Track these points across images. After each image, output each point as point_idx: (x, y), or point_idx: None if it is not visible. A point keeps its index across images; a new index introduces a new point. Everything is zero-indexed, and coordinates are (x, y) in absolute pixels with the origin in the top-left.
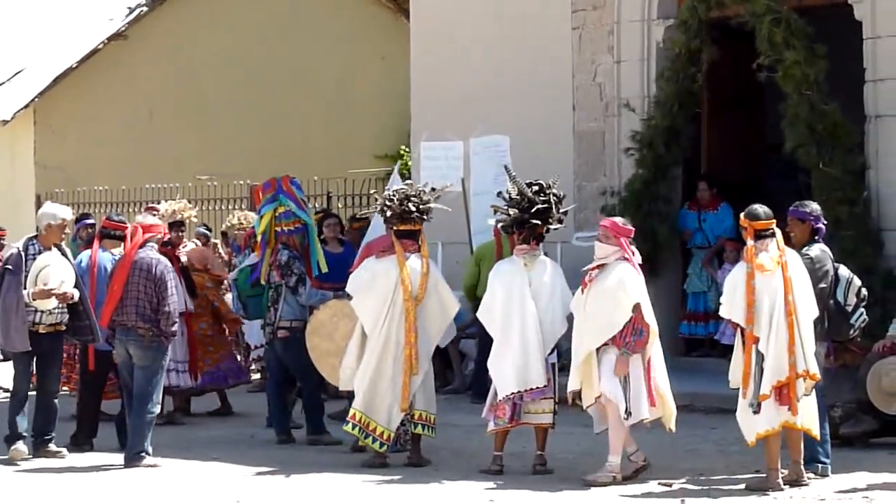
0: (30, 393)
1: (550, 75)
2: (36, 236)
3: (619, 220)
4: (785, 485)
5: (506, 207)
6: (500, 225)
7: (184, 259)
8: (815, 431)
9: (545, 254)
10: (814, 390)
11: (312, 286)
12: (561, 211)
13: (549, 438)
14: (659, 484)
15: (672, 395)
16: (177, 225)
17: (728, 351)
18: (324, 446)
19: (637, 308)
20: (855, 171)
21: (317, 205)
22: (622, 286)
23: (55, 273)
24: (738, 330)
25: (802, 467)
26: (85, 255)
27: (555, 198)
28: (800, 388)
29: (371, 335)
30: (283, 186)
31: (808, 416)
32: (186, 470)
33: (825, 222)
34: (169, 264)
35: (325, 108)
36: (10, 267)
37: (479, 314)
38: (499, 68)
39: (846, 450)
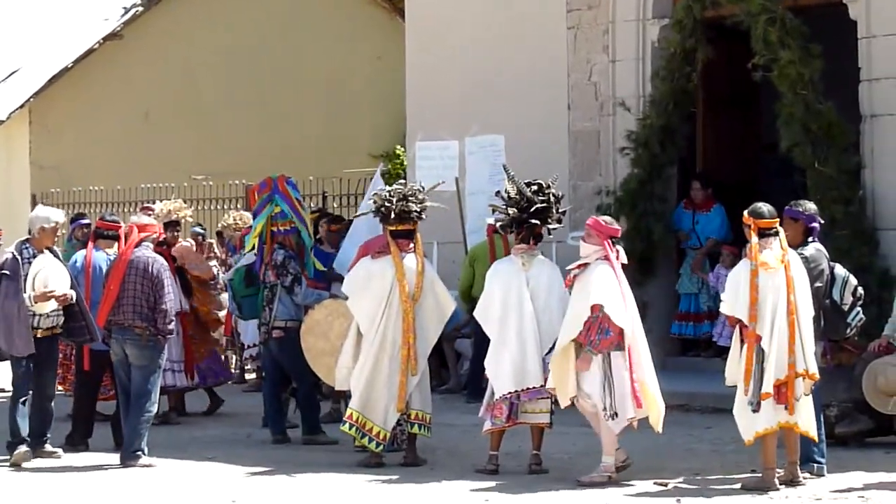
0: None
1: (546, 75)
2: (28, 239)
3: (605, 219)
4: (781, 484)
5: (504, 207)
6: (498, 224)
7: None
8: (813, 433)
9: (541, 253)
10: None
11: (308, 286)
12: (560, 211)
13: (544, 438)
14: (655, 483)
15: (662, 395)
16: (172, 225)
17: (723, 351)
18: (319, 446)
19: (596, 309)
20: (850, 171)
21: (312, 204)
22: (589, 286)
23: (53, 276)
24: (737, 327)
25: (798, 467)
26: (80, 256)
27: (553, 197)
28: (798, 387)
29: (367, 335)
30: (279, 187)
31: (806, 417)
32: (182, 470)
33: (821, 221)
34: (165, 263)
35: (321, 107)
36: (7, 272)
37: (476, 313)
38: (494, 68)
39: (842, 449)
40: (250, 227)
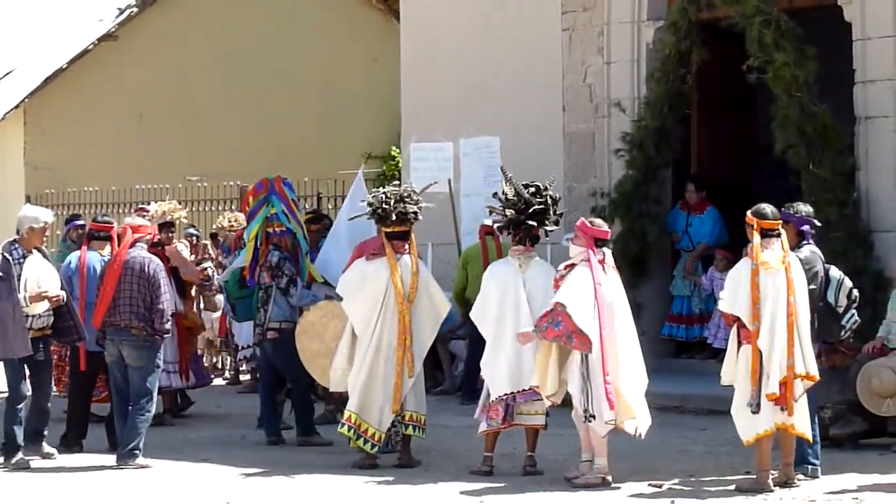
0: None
1: (540, 76)
2: (17, 240)
3: (594, 221)
4: (775, 486)
5: (502, 208)
6: (496, 225)
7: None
8: (809, 434)
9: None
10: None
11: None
12: (557, 213)
13: (539, 440)
14: (649, 485)
15: (657, 396)
16: (166, 226)
17: (717, 353)
18: (314, 447)
19: (558, 305)
20: (845, 173)
21: (307, 205)
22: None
23: (45, 276)
24: (735, 327)
25: (792, 468)
26: (74, 257)
27: (551, 199)
28: (797, 389)
29: (363, 337)
30: (276, 187)
31: (802, 419)
32: (176, 471)
33: (817, 224)
34: (161, 263)
35: (316, 109)
36: (0, 274)
37: (472, 314)
38: (489, 70)
39: (836, 451)
40: (244, 228)
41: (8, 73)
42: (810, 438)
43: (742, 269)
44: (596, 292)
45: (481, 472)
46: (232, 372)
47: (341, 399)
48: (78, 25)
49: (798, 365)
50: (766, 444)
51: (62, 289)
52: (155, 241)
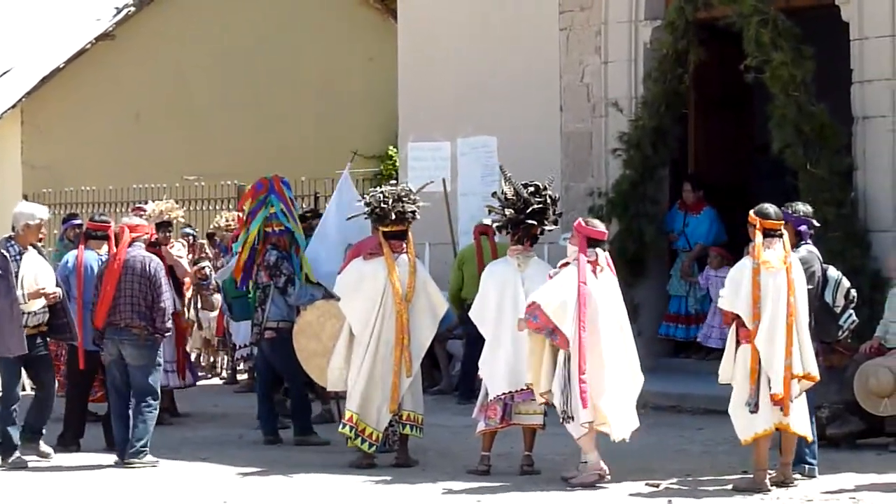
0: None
1: (538, 76)
2: (12, 237)
3: (589, 221)
4: (772, 486)
5: (501, 208)
6: (495, 225)
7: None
8: (808, 434)
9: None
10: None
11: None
12: (556, 212)
13: (536, 439)
14: (646, 485)
15: (654, 396)
16: (164, 225)
17: (712, 352)
18: (311, 447)
19: (534, 304)
20: (842, 173)
21: (304, 205)
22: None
23: (42, 273)
24: (734, 326)
25: (791, 469)
26: (71, 256)
27: (550, 199)
28: (794, 389)
29: (362, 337)
30: (275, 186)
31: (801, 419)
32: (174, 470)
33: (816, 224)
34: (160, 262)
35: (313, 108)
36: None
37: (471, 314)
38: (486, 69)
39: (833, 451)
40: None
41: (5, 73)
42: (810, 438)
43: (743, 267)
44: (579, 292)
45: (479, 472)
46: (229, 371)
47: (337, 398)
48: (75, 25)
49: (796, 365)
50: (764, 444)
51: (57, 285)
52: (152, 240)
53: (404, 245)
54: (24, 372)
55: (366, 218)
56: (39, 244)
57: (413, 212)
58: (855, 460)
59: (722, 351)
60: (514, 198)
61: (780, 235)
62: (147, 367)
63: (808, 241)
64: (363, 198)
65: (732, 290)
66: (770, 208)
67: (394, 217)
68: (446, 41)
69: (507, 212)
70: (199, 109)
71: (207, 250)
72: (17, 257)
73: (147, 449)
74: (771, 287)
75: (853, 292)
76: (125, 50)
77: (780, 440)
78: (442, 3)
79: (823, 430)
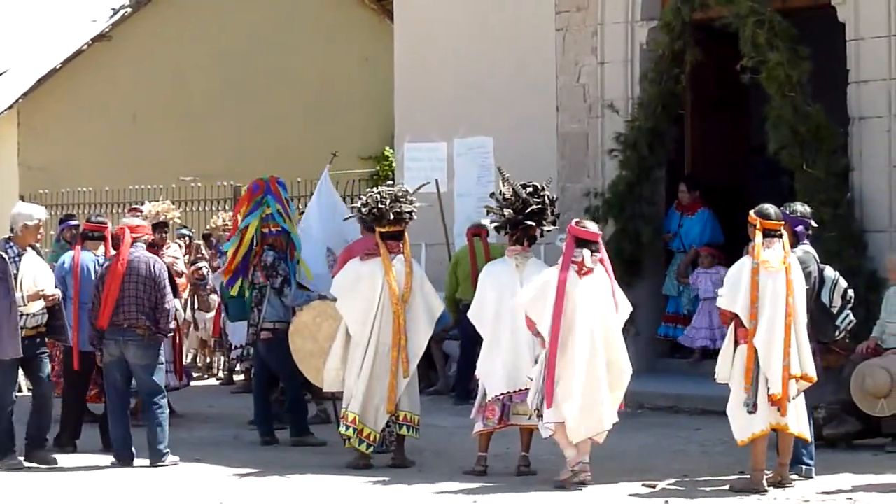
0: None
1: (534, 76)
2: (10, 238)
3: (581, 222)
4: (769, 486)
5: (499, 208)
6: (493, 225)
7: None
8: (806, 434)
9: None
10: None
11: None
12: (554, 213)
13: (533, 440)
14: (643, 485)
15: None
16: (160, 226)
17: (706, 353)
18: (307, 447)
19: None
20: (838, 173)
21: (300, 206)
22: None
23: (41, 274)
24: (732, 325)
25: (788, 469)
26: (68, 257)
27: (548, 199)
28: (792, 389)
29: (359, 338)
30: (271, 187)
31: (800, 419)
32: (170, 470)
33: (813, 224)
34: (164, 263)
35: (309, 109)
36: None
37: (469, 314)
38: (482, 70)
39: (830, 451)
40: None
41: (2, 74)
42: (808, 438)
43: (742, 267)
44: (557, 293)
45: (475, 473)
46: (226, 372)
47: (333, 399)
48: (72, 26)
49: (794, 366)
50: (761, 445)
51: (55, 287)
52: (149, 241)
53: (401, 246)
54: (21, 373)
55: (363, 218)
56: (37, 245)
57: (410, 212)
58: (851, 461)
59: (713, 350)
60: (513, 198)
61: (780, 236)
62: (151, 366)
63: (805, 241)
64: (350, 199)
65: (731, 290)
66: (770, 208)
67: (391, 217)
68: (442, 42)
69: (506, 212)
70: (195, 110)
71: (203, 251)
72: (17, 259)
73: (168, 449)
74: (770, 287)
75: (850, 292)
76: (121, 51)
77: (777, 441)
78: (438, 3)
79: (820, 431)
